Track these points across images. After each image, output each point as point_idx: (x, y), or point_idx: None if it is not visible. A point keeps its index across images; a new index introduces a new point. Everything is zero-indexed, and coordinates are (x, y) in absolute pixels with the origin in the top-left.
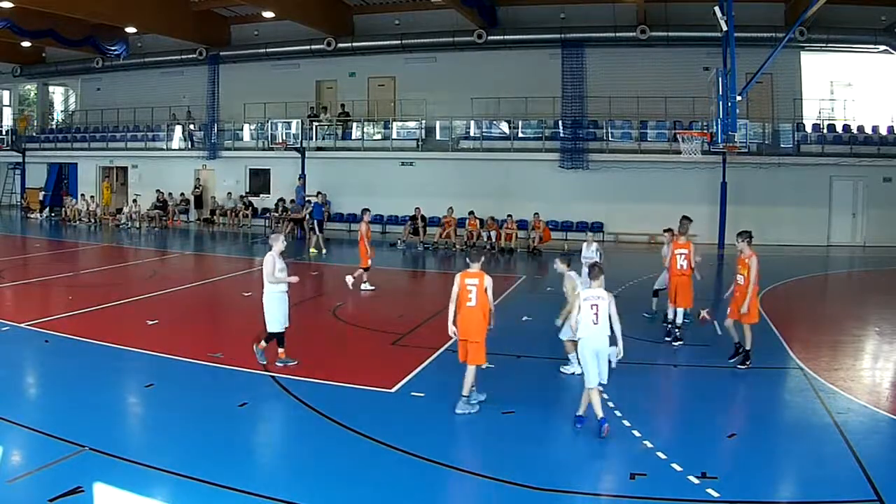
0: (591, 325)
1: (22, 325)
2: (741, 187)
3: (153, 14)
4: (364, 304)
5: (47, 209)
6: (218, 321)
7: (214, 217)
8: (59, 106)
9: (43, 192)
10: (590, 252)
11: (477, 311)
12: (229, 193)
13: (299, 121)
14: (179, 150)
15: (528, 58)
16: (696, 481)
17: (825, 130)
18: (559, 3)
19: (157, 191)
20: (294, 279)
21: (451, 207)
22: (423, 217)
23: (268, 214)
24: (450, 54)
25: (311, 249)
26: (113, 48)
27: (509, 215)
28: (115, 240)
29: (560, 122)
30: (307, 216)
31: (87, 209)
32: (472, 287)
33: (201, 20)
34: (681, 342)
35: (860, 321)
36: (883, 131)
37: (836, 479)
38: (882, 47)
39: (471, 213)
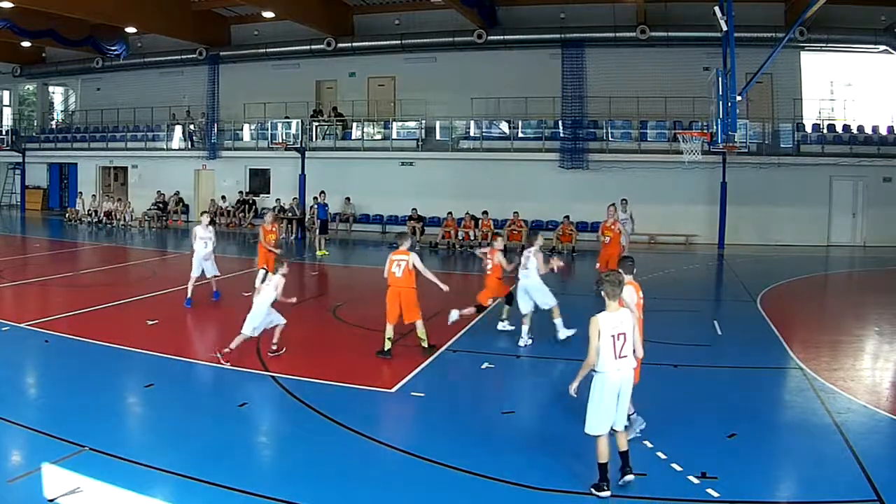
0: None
1: (22, 325)
2: (741, 187)
3: (153, 14)
4: (364, 304)
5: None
6: (218, 321)
7: (214, 218)
8: (59, 106)
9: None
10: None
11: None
12: (223, 196)
13: (299, 121)
14: (179, 150)
15: (528, 58)
16: (696, 481)
17: (825, 130)
18: (559, 3)
19: (158, 192)
20: None
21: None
22: (420, 217)
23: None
24: (450, 54)
25: (321, 251)
26: (113, 48)
27: (515, 213)
28: (115, 240)
29: (560, 122)
30: (313, 217)
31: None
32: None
33: (201, 20)
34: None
35: (860, 321)
36: (883, 131)
37: (836, 479)
38: (882, 47)
39: (484, 212)
